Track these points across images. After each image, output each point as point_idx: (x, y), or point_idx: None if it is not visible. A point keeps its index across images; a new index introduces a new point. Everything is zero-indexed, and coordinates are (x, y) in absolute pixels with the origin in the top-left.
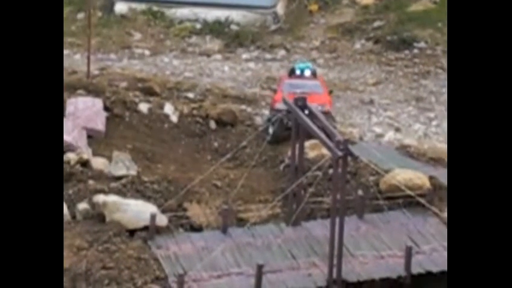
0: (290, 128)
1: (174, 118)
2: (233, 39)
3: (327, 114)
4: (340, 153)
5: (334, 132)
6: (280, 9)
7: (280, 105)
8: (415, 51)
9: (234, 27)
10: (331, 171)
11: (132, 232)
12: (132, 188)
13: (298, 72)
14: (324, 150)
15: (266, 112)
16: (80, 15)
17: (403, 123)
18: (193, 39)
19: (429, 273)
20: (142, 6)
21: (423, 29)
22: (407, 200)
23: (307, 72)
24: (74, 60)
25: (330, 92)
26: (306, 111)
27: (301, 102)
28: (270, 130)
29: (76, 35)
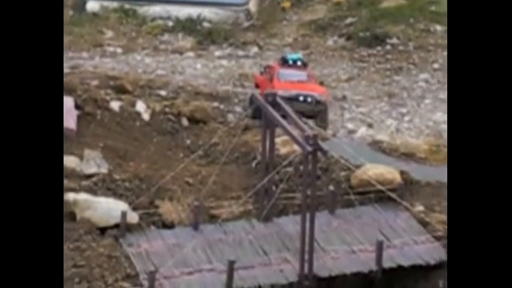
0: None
1: (146, 116)
2: (205, 36)
3: (323, 104)
4: (310, 149)
5: (304, 128)
6: (252, 6)
7: (282, 92)
8: (388, 47)
9: (206, 24)
10: (302, 167)
11: (103, 230)
12: (103, 186)
13: (290, 62)
14: (296, 147)
15: (238, 109)
16: None
17: (375, 119)
18: (166, 36)
19: (400, 267)
20: (114, 4)
21: (395, 25)
22: (378, 195)
23: (299, 63)
24: None
25: (321, 84)
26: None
27: (271, 98)
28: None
29: None
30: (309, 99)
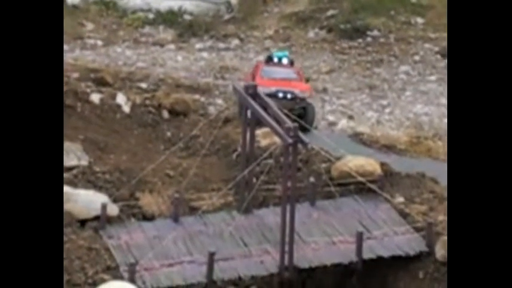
0: None
1: (127, 108)
2: (186, 29)
3: (305, 101)
4: (290, 140)
5: (284, 120)
6: None
7: (261, 89)
8: (368, 39)
9: (187, 17)
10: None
11: (83, 222)
12: (84, 178)
13: (275, 60)
14: (277, 138)
15: (219, 102)
16: None
17: (356, 111)
18: (146, 29)
19: (380, 258)
20: None
21: (376, 18)
22: (358, 187)
23: (285, 61)
24: None
25: (307, 80)
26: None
27: (252, 90)
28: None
29: None
30: (288, 96)
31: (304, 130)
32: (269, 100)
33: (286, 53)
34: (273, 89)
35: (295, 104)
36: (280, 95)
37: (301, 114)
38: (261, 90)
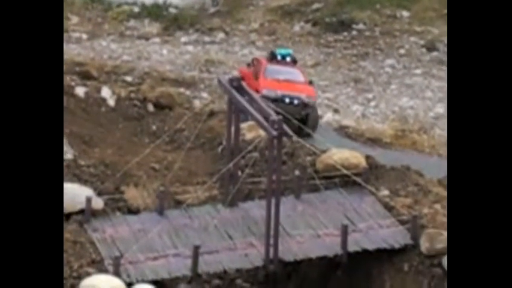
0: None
1: (112, 102)
2: (172, 22)
3: (311, 107)
4: (274, 133)
5: (269, 113)
6: None
7: (267, 92)
8: (354, 33)
9: (172, 10)
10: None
11: (68, 216)
12: (69, 171)
13: (279, 57)
14: (262, 132)
15: (205, 95)
16: None
17: (341, 105)
18: (132, 22)
19: (365, 251)
20: None
21: (361, 11)
22: (343, 180)
23: (289, 59)
24: None
25: (310, 82)
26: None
27: (237, 83)
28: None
29: None
30: (296, 102)
31: (307, 135)
32: (253, 92)
33: (290, 51)
34: (279, 93)
35: (301, 110)
36: (287, 100)
37: (304, 118)
38: (266, 93)
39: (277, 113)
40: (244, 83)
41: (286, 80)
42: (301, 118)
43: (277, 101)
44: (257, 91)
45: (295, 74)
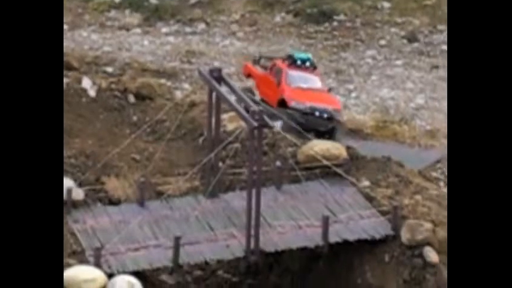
0: (302, 124)
1: (92, 92)
2: (152, 13)
3: (337, 121)
4: (255, 124)
5: (250, 103)
6: None
7: (295, 104)
8: (335, 23)
9: (153, 1)
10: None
11: None
12: None
13: (299, 62)
14: (243, 123)
15: (186, 86)
16: None
17: None
18: (112, 13)
19: (346, 242)
20: None
21: (342, 2)
22: (324, 170)
23: (308, 64)
24: None
25: (329, 90)
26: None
27: (217, 74)
28: (277, 125)
29: None
30: (325, 115)
31: None
32: (233, 84)
33: (310, 55)
34: (307, 105)
35: (330, 123)
36: (317, 113)
37: (329, 131)
38: (295, 105)
39: (306, 129)
40: (257, 88)
41: (310, 88)
42: (326, 130)
43: (306, 114)
44: (277, 99)
45: (316, 81)
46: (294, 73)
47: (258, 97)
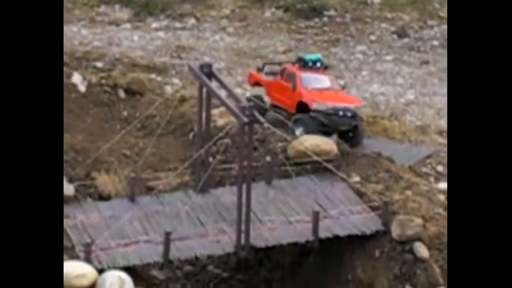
0: (326, 126)
1: (82, 88)
2: (142, 8)
3: (359, 117)
4: (246, 120)
5: (240, 99)
6: None
7: (317, 106)
8: (325, 19)
9: None
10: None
11: None
12: None
13: (310, 64)
14: (233, 118)
15: (176, 81)
16: None
17: None
18: (102, 8)
19: (336, 237)
20: None
21: None
22: (315, 166)
23: (319, 65)
24: None
25: (343, 88)
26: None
27: (207, 69)
28: (297, 132)
29: None
30: (348, 114)
31: (356, 145)
32: (222, 79)
33: (319, 55)
34: (329, 105)
35: (354, 121)
36: (340, 113)
37: (350, 129)
38: (317, 107)
39: (331, 130)
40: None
41: (326, 88)
42: (347, 129)
43: (330, 114)
44: (294, 103)
45: (331, 81)
46: (307, 75)
47: (268, 104)
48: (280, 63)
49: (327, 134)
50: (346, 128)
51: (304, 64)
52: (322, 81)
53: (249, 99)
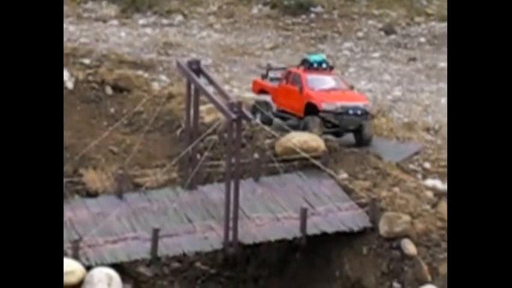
0: (336, 126)
1: (70, 84)
2: (129, 4)
3: (368, 115)
4: (234, 116)
5: (228, 96)
6: None
7: (326, 106)
8: (312, 15)
9: None
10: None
11: None
12: None
13: (315, 65)
14: (221, 115)
15: (163, 77)
16: None
17: None
18: (89, 4)
19: (324, 234)
20: None
21: None
22: (302, 163)
23: (324, 65)
24: None
25: (352, 88)
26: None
27: (196, 66)
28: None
29: None
30: (359, 112)
31: (366, 145)
32: (211, 76)
33: (323, 56)
34: (338, 104)
35: (362, 119)
36: (350, 111)
37: (358, 129)
38: (326, 107)
39: (335, 125)
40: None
41: (334, 88)
42: (355, 129)
43: (340, 113)
44: (302, 106)
45: (337, 81)
46: (313, 77)
47: (274, 109)
48: (284, 68)
49: (337, 135)
50: (355, 127)
51: (310, 66)
52: (328, 81)
53: (254, 107)
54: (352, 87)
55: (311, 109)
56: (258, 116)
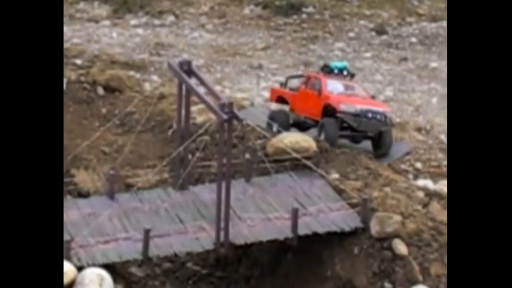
0: (355, 130)
1: None
2: (121, 5)
3: (389, 123)
4: (225, 117)
5: (219, 96)
6: None
7: (345, 107)
8: (304, 16)
9: None
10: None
11: None
12: None
13: (336, 71)
14: (212, 115)
15: (155, 78)
16: None
17: None
18: (81, 5)
19: (315, 234)
20: None
21: None
22: (294, 163)
23: (345, 73)
24: None
25: (373, 97)
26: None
27: (187, 67)
28: (322, 136)
29: None
30: (378, 117)
31: (383, 155)
32: (203, 76)
33: (346, 63)
34: (358, 107)
35: (381, 126)
36: (369, 115)
37: (378, 136)
38: (345, 108)
39: (356, 130)
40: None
41: (353, 94)
42: (374, 136)
43: (358, 116)
44: (320, 108)
45: (357, 89)
46: (333, 82)
47: (292, 119)
48: (302, 75)
49: (354, 141)
50: (374, 134)
51: (330, 71)
52: (349, 88)
53: (271, 116)
54: (373, 97)
55: (329, 112)
56: (275, 125)
